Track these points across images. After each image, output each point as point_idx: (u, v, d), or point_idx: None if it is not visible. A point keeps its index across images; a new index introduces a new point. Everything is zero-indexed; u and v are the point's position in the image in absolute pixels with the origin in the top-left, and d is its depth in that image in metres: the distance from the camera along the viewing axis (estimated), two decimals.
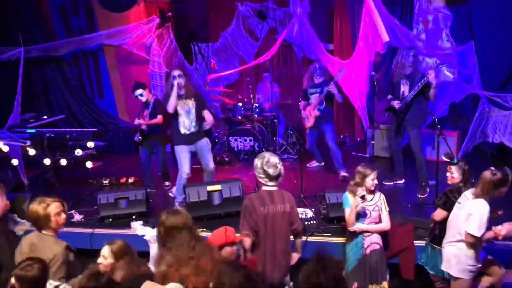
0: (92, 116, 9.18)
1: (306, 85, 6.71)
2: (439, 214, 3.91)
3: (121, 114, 9.21)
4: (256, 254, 3.53)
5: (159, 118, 6.03)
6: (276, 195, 3.55)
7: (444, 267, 3.74)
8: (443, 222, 3.87)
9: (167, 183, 6.50)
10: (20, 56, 7.88)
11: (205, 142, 5.53)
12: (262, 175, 3.51)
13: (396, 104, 5.77)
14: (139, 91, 6.06)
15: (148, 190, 5.92)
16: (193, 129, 5.40)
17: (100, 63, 9.10)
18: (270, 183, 3.54)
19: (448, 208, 3.81)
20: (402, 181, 6.24)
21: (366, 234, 3.87)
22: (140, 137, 6.23)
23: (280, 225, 3.51)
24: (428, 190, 5.67)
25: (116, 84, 9.10)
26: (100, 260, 3.10)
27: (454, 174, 3.91)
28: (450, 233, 3.70)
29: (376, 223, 3.89)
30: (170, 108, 5.27)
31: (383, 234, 3.98)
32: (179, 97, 5.31)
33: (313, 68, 6.58)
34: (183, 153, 5.44)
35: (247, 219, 3.48)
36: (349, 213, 3.84)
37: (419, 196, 5.67)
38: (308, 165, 7.16)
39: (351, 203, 3.84)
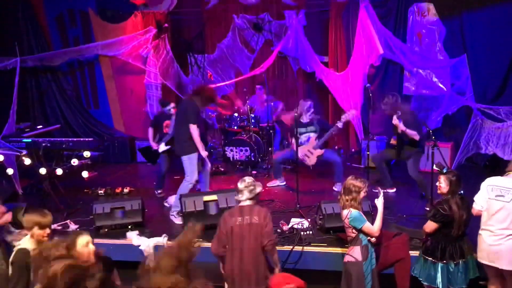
0: (87, 126, 9.17)
1: (291, 123, 6.60)
2: (429, 225, 3.94)
3: (117, 124, 9.20)
4: (224, 267, 3.83)
5: None
6: (246, 209, 3.78)
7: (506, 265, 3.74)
8: (434, 234, 3.92)
9: (160, 191, 6.64)
10: (16, 65, 7.88)
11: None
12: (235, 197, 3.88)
13: (392, 140, 6.07)
14: (172, 105, 6.41)
15: (159, 191, 6.52)
16: None
17: (96, 73, 9.11)
18: (241, 197, 3.83)
19: (438, 220, 3.85)
20: (393, 190, 6.28)
21: (347, 245, 3.96)
22: (167, 146, 6.33)
23: (248, 238, 3.69)
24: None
25: (111, 94, 9.11)
26: (91, 247, 3.07)
27: (441, 184, 3.96)
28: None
29: (351, 238, 3.92)
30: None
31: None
32: None
33: (308, 106, 6.47)
34: (195, 161, 5.61)
35: (217, 233, 3.86)
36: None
37: (427, 209, 5.70)
38: (268, 184, 6.77)
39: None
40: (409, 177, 6.03)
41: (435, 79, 7.55)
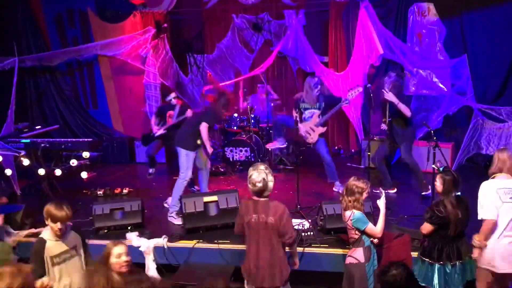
0: (86, 126, 9.14)
1: (299, 98, 6.47)
2: (426, 227, 3.89)
3: (116, 124, 9.17)
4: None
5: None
6: (261, 205, 3.61)
7: None
8: (431, 235, 3.88)
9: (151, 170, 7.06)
10: (14, 65, 7.83)
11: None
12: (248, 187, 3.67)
13: (382, 126, 6.02)
14: (173, 95, 6.71)
15: (152, 171, 6.90)
16: None
17: (95, 73, 9.08)
18: (254, 196, 3.64)
19: (434, 222, 3.81)
20: (394, 191, 6.26)
21: (348, 246, 3.92)
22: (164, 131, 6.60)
23: (263, 235, 3.59)
24: (430, 187, 5.64)
25: (110, 95, 9.08)
26: (125, 258, 3.11)
27: (437, 183, 3.93)
28: None
29: (353, 239, 3.88)
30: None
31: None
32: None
33: (315, 82, 6.28)
34: (192, 158, 5.66)
35: (237, 221, 3.78)
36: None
37: (423, 194, 5.81)
38: (267, 146, 7.12)
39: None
40: (410, 177, 6.01)
41: (435, 79, 7.53)
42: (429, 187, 5.69)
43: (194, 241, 4.90)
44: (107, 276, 3.01)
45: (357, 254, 3.81)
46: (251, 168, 3.63)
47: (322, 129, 6.33)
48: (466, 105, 7.20)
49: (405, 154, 5.97)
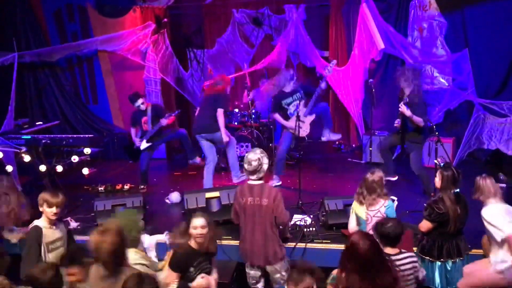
0: (86, 122, 9.10)
1: (273, 95, 6.43)
2: (424, 225, 3.89)
3: (116, 120, 9.13)
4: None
5: (174, 116, 6.47)
6: (257, 189, 3.91)
7: None
8: (430, 232, 3.87)
9: (143, 186, 6.70)
10: (14, 61, 7.79)
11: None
12: (244, 170, 4.02)
13: (396, 123, 5.84)
14: (140, 101, 6.33)
15: (142, 187, 6.59)
16: None
17: (95, 68, 9.02)
18: (251, 177, 3.93)
19: (433, 219, 3.80)
20: (395, 178, 6.21)
21: None
22: (148, 143, 6.38)
23: (258, 217, 3.88)
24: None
25: (110, 90, 9.04)
26: (198, 231, 3.40)
27: (436, 178, 3.95)
28: None
29: None
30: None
31: None
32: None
33: (291, 75, 6.25)
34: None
35: (234, 205, 4.11)
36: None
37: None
38: (271, 183, 6.32)
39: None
40: (412, 172, 5.99)
41: (436, 74, 7.52)
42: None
43: None
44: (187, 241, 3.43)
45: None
46: (248, 152, 4.01)
47: (311, 118, 6.32)
48: (467, 99, 7.18)
49: (415, 165, 5.79)
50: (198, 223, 3.43)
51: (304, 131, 6.29)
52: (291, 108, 6.29)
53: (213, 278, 3.55)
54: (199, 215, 3.50)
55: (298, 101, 6.26)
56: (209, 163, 6.16)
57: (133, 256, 3.34)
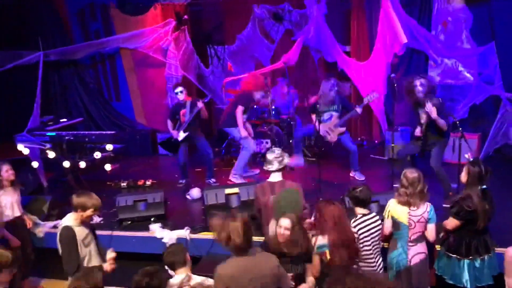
0: (109, 119, 9.24)
1: (315, 101, 6.56)
2: (451, 223, 3.79)
3: (138, 116, 9.25)
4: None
5: (205, 114, 6.55)
6: (278, 186, 3.96)
7: None
8: (457, 230, 3.78)
9: (182, 181, 6.75)
10: (39, 60, 7.97)
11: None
12: (264, 164, 4.16)
13: (417, 132, 5.63)
14: (179, 89, 6.43)
15: (183, 181, 6.68)
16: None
17: (117, 66, 9.15)
18: (271, 168, 4.06)
19: (462, 217, 3.71)
20: None
21: (411, 244, 3.76)
22: (185, 133, 6.43)
23: None
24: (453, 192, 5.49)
25: (133, 87, 9.15)
26: (283, 231, 3.45)
27: (463, 173, 3.86)
28: None
29: (421, 234, 3.77)
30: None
31: (429, 242, 3.88)
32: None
33: (331, 84, 6.37)
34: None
35: (255, 204, 4.16)
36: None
37: (445, 206, 5.46)
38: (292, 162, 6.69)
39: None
40: (430, 171, 5.78)
41: (461, 68, 7.34)
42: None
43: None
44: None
45: (424, 248, 3.77)
46: (267, 152, 4.16)
47: (341, 130, 6.43)
48: (494, 94, 6.98)
49: (434, 162, 5.56)
50: (282, 223, 3.47)
51: (331, 138, 6.48)
52: (325, 116, 6.45)
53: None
54: (285, 216, 3.51)
55: (332, 112, 6.45)
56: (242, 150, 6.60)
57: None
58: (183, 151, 6.55)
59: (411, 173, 3.80)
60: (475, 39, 7.19)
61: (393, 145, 6.06)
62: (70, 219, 3.62)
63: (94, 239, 3.74)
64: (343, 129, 6.44)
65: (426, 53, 7.54)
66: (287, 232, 3.43)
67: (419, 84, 5.44)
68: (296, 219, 3.50)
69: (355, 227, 3.67)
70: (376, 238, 3.78)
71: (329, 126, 6.43)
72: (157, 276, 2.89)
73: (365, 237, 3.69)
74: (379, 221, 3.83)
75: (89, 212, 3.56)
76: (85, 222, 3.65)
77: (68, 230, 3.55)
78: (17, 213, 4.73)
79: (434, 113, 5.26)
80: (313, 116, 6.46)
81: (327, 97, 6.36)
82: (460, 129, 4.99)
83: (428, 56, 7.57)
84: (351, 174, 6.66)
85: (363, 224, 3.72)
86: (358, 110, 6.36)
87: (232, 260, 3.02)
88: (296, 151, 6.83)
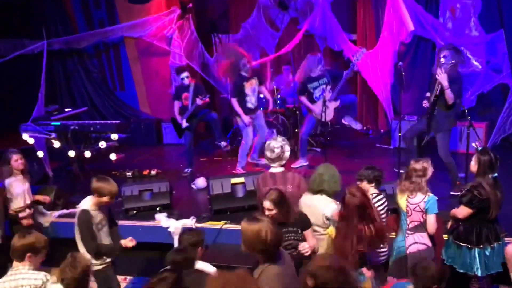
0: (113, 108, 9.22)
1: (300, 79, 6.49)
2: (463, 211, 3.75)
3: (142, 106, 9.23)
4: None
5: (208, 99, 6.45)
6: (279, 177, 3.88)
7: None
8: (468, 219, 3.75)
9: (188, 170, 6.75)
10: (43, 49, 7.93)
11: (260, 113, 6.59)
12: (265, 158, 4.02)
13: (424, 103, 5.51)
14: (184, 74, 6.45)
15: (189, 170, 6.67)
16: (255, 104, 6.41)
17: (121, 55, 9.10)
18: (273, 165, 3.93)
19: (474, 206, 3.67)
20: None
21: (409, 232, 3.75)
22: (187, 123, 6.42)
23: None
24: (462, 188, 5.43)
25: (137, 76, 9.11)
26: (267, 212, 3.35)
27: (472, 163, 3.83)
28: None
29: (419, 223, 3.73)
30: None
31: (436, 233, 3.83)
32: (246, 79, 6.25)
33: (318, 59, 6.28)
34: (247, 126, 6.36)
35: (258, 195, 4.03)
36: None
37: (453, 193, 5.33)
38: (292, 166, 6.48)
39: None
40: (439, 159, 5.73)
41: (469, 56, 7.22)
42: (462, 188, 5.41)
43: (222, 222, 4.92)
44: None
45: (425, 239, 3.72)
46: (269, 140, 4.03)
47: (335, 104, 6.27)
48: (502, 82, 6.89)
49: (442, 149, 5.45)
50: (265, 205, 3.40)
51: (328, 115, 6.25)
52: (317, 93, 6.31)
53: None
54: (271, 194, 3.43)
55: (324, 86, 6.25)
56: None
57: None
58: (188, 136, 6.56)
59: (414, 163, 3.79)
60: (484, 26, 7.07)
61: (400, 134, 5.98)
62: (88, 203, 3.73)
63: (107, 224, 3.83)
64: (337, 102, 6.29)
65: (434, 41, 7.44)
66: (272, 212, 3.36)
67: (442, 56, 5.31)
68: (277, 196, 3.38)
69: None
70: (384, 220, 3.74)
71: (322, 102, 6.15)
72: (190, 251, 3.09)
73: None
74: (386, 204, 3.85)
75: (105, 198, 3.65)
76: (102, 207, 3.76)
77: (85, 213, 3.67)
78: (28, 201, 4.75)
79: (445, 81, 5.12)
80: (303, 98, 6.39)
81: (314, 72, 6.24)
82: (469, 117, 4.93)
83: (435, 44, 7.46)
84: (343, 120, 6.60)
85: (377, 204, 3.72)
86: (349, 72, 6.18)
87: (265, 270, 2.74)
88: (301, 153, 6.69)
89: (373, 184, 3.83)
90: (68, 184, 6.19)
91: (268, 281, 2.64)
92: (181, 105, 6.51)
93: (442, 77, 5.13)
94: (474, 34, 7.17)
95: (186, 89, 6.44)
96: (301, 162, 6.68)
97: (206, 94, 6.39)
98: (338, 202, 3.62)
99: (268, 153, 3.92)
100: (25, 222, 4.64)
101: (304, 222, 3.51)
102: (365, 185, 3.81)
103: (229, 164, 6.86)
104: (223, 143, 6.75)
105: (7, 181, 4.60)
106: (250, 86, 6.31)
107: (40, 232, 4.88)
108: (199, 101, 6.26)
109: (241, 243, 2.79)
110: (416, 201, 3.70)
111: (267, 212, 3.34)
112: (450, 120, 5.46)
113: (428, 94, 5.60)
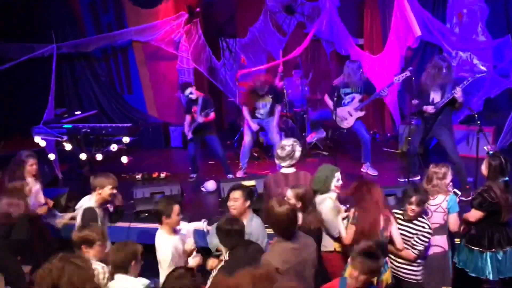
0: (121, 112, 9.25)
1: (337, 83, 6.51)
2: (474, 215, 3.79)
3: (150, 109, 9.27)
4: None
5: (213, 115, 6.30)
6: (292, 176, 3.94)
7: None
8: (480, 222, 3.79)
9: (193, 175, 6.73)
10: (53, 52, 7.99)
11: (273, 120, 6.52)
12: (275, 157, 4.08)
13: (430, 109, 5.51)
14: (188, 91, 6.31)
15: (194, 176, 6.68)
16: (265, 116, 6.48)
17: (129, 59, 9.15)
18: (283, 164, 3.99)
19: (485, 209, 3.72)
20: (418, 178, 5.86)
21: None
22: (192, 135, 6.39)
23: None
24: (472, 193, 5.46)
25: (145, 80, 9.16)
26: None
27: (483, 166, 3.89)
28: None
29: (438, 226, 3.75)
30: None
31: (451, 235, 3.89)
32: (260, 96, 6.34)
33: (357, 66, 6.25)
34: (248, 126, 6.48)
35: (266, 195, 4.04)
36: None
37: (462, 198, 5.42)
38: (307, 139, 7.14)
39: None
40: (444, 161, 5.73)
41: (476, 61, 7.27)
42: (471, 193, 5.43)
43: None
44: None
45: (443, 242, 3.75)
46: (278, 148, 4.10)
47: (360, 114, 6.29)
48: (509, 87, 6.94)
49: (451, 152, 5.44)
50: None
51: (348, 123, 6.30)
52: (347, 99, 6.30)
53: None
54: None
55: (355, 94, 6.27)
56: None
57: None
58: (192, 145, 6.53)
59: (434, 167, 3.86)
60: (491, 31, 7.12)
61: (409, 138, 6.01)
62: (90, 201, 3.80)
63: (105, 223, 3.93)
64: (363, 113, 6.30)
65: (440, 46, 7.49)
66: (236, 203, 3.63)
67: (445, 66, 5.43)
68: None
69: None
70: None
71: (348, 110, 6.25)
72: (239, 223, 3.24)
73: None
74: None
75: (107, 190, 3.76)
76: (102, 203, 3.85)
77: (92, 211, 3.76)
78: (42, 200, 4.83)
79: (461, 98, 5.34)
80: (329, 101, 6.36)
81: (353, 78, 6.18)
82: (479, 122, 4.97)
83: (442, 49, 7.51)
84: (362, 169, 6.49)
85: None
86: (386, 91, 6.18)
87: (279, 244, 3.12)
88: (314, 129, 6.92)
89: (420, 208, 3.60)
90: (78, 187, 6.22)
91: (273, 253, 3.09)
92: (191, 119, 6.46)
93: (459, 94, 5.27)
94: (481, 39, 7.23)
95: (194, 102, 6.40)
96: (315, 136, 7.16)
97: (213, 109, 6.35)
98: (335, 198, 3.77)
99: (278, 151, 3.99)
100: (41, 210, 4.75)
101: None
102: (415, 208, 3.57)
103: (236, 167, 6.90)
104: (229, 176, 6.61)
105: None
106: (262, 102, 6.41)
107: (52, 234, 4.98)
108: (200, 119, 6.22)
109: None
110: (438, 202, 3.75)
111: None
112: (450, 118, 5.61)
113: (415, 101, 5.65)
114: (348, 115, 6.23)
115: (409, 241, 3.59)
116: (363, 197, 3.45)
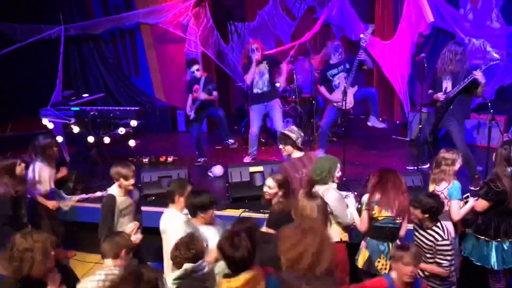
0: (128, 95, 9.23)
1: (319, 65, 6.56)
2: (481, 204, 3.78)
3: (157, 93, 9.24)
4: None
5: (216, 95, 6.35)
6: (305, 159, 4.23)
7: None
8: (486, 212, 3.77)
9: (200, 159, 6.70)
10: (61, 34, 7.94)
11: (276, 104, 6.30)
12: (290, 144, 4.33)
13: (440, 96, 5.39)
14: (195, 67, 6.32)
15: (201, 160, 6.65)
16: (265, 89, 6.20)
17: (137, 41, 9.10)
18: (295, 152, 4.29)
19: (490, 198, 3.69)
20: (427, 166, 5.82)
21: None
22: (194, 115, 6.36)
23: None
24: (481, 182, 5.40)
25: (152, 63, 9.11)
26: (265, 189, 3.76)
27: (494, 155, 3.89)
28: None
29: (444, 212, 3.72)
30: (248, 81, 6.16)
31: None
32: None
33: (335, 46, 6.20)
34: (254, 113, 6.30)
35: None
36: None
37: (472, 188, 5.21)
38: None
39: None
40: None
41: (489, 49, 7.14)
42: (480, 182, 5.34)
43: (240, 210, 4.95)
44: None
45: (448, 229, 3.67)
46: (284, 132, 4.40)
47: (353, 90, 6.17)
48: None
49: (460, 143, 5.33)
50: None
51: (348, 103, 6.14)
52: (336, 80, 6.22)
53: None
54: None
55: (343, 73, 6.17)
56: None
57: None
58: (195, 128, 6.50)
59: (444, 152, 3.89)
60: (505, 18, 6.98)
61: (420, 126, 5.93)
62: (114, 189, 3.90)
63: (133, 212, 3.97)
64: (355, 88, 6.16)
65: (453, 33, 7.35)
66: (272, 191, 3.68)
67: (460, 52, 5.31)
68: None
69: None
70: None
71: (342, 90, 5.98)
72: (251, 221, 3.20)
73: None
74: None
75: (131, 181, 3.85)
76: (130, 192, 3.94)
77: (110, 198, 3.85)
78: (52, 185, 4.89)
79: (483, 79, 5.16)
80: (322, 89, 6.31)
81: (332, 60, 6.17)
82: (491, 111, 4.89)
83: (455, 36, 7.37)
84: (368, 123, 6.40)
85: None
86: (360, 55, 5.99)
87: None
88: (320, 145, 6.48)
89: (426, 216, 3.46)
90: (86, 169, 6.24)
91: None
92: (193, 99, 6.42)
93: (479, 75, 5.09)
94: (495, 26, 7.09)
95: (197, 81, 6.36)
96: (320, 154, 6.61)
97: (215, 87, 6.30)
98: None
99: (293, 135, 4.30)
100: (50, 204, 4.78)
101: None
102: (418, 213, 3.47)
103: (244, 152, 6.87)
104: (230, 141, 6.69)
105: (37, 165, 4.73)
106: (258, 70, 6.21)
107: (58, 216, 5.00)
108: (202, 96, 6.17)
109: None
110: (441, 189, 3.76)
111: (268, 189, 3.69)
112: (467, 112, 5.48)
113: (431, 91, 5.55)
114: (344, 94, 5.94)
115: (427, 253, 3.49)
116: (387, 184, 3.51)
